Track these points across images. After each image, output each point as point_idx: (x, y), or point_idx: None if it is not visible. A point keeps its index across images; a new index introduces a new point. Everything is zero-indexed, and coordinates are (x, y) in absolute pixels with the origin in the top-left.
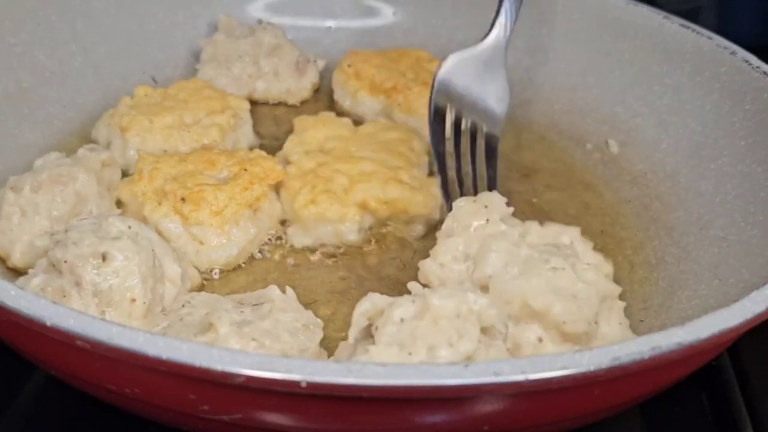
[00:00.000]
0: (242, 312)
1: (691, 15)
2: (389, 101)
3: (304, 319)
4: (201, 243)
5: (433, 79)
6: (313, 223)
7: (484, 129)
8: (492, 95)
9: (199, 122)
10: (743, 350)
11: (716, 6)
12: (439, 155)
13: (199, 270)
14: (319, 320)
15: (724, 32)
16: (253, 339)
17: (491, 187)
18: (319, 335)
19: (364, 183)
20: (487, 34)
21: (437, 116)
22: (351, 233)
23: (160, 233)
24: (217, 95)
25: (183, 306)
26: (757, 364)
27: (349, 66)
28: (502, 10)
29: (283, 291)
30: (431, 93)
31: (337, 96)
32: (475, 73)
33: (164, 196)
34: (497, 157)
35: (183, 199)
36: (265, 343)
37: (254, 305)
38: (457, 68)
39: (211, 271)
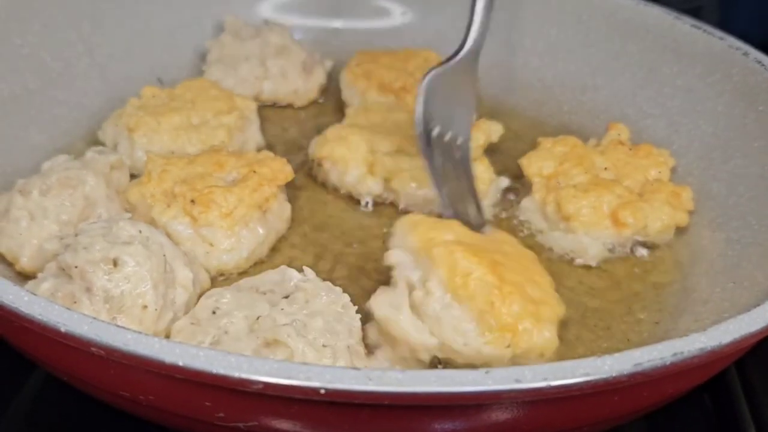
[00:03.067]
0: (282, 309)
1: (693, 14)
2: (397, 101)
3: (336, 297)
4: (211, 245)
5: (418, 96)
6: None
7: (459, 141)
8: (464, 105)
9: (207, 123)
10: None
11: (717, 5)
12: (434, 169)
13: (208, 272)
14: (345, 294)
15: (725, 30)
16: (324, 345)
17: (474, 192)
18: (353, 309)
19: None
20: (461, 46)
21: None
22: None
23: (169, 235)
24: (223, 95)
25: (214, 313)
26: (760, 366)
27: (357, 66)
28: (475, 20)
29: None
30: (418, 108)
31: (345, 96)
32: (452, 86)
33: (173, 199)
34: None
35: (192, 201)
36: (332, 344)
37: (286, 297)
38: (437, 83)
39: (220, 274)
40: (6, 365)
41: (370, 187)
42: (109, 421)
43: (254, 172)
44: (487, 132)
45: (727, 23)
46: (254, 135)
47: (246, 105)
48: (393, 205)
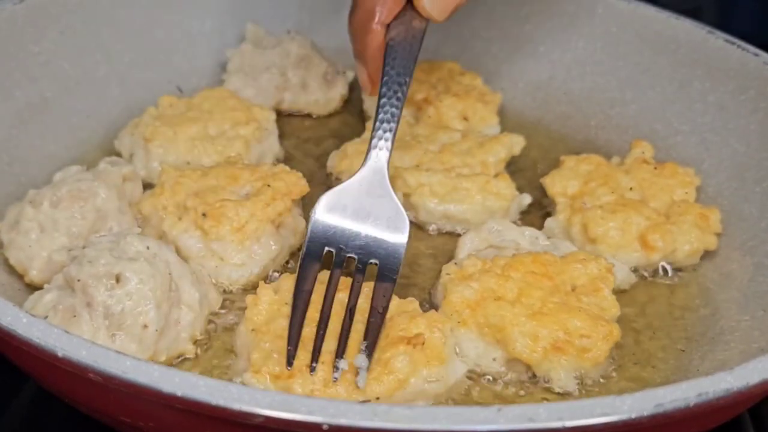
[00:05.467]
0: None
1: (692, 14)
2: (420, 113)
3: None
4: (221, 259)
5: (308, 223)
6: None
7: (378, 271)
8: (383, 226)
9: (224, 134)
10: None
11: (717, 5)
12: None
13: (219, 287)
14: None
15: (725, 31)
16: None
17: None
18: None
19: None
20: (364, 162)
21: (312, 260)
22: None
23: (179, 249)
24: (241, 106)
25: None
26: None
27: None
28: (378, 132)
29: None
30: (306, 236)
31: (366, 106)
32: (357, 206)
33: (185, 212)
34: (386, 309)
35: (204, 215)
36: None
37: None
38: (333, 205)
39: (231, 290)
40: (1, 371)
41: None
42: (106, 429)
43: (268, 185)
44: (508, 145)
45: (726, 23)
46: (272, 146)
47: (264, 116)
48: (415, 224)
